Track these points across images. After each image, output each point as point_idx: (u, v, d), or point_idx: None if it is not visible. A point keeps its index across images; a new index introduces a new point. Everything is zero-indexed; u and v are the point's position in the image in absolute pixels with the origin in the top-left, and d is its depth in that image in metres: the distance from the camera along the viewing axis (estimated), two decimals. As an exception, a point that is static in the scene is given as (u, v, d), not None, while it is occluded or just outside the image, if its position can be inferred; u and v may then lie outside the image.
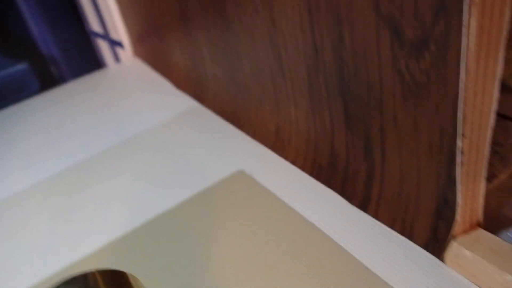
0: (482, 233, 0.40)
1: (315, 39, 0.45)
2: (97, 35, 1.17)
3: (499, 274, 0.36)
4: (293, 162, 0.57)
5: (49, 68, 1.07)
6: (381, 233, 0.45)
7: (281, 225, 0.49)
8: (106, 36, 1.14)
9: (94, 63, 1.13)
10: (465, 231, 0.40)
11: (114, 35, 1.12)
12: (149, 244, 0.50)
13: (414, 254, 0.42)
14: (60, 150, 0.74)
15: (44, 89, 1.07)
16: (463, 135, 0.34)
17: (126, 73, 0.99)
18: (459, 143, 0.35)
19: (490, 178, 0.46)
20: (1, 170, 0.73)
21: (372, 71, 0.40)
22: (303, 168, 0.56)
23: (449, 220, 0.40)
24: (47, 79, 1.08)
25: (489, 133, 0.36)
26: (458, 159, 0.36)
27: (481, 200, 0.40)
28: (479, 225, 0.41)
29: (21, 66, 1.05)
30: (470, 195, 0.39)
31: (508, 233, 0.43)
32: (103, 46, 1.19)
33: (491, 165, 0.47)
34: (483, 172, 0.38)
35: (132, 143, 0.71)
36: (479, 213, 0.41)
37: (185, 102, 0.79)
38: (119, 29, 1.04)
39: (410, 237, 0.44)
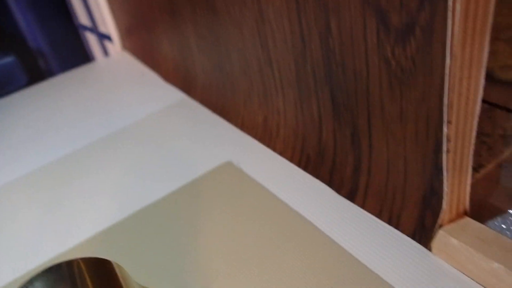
0: (469, 222, 0.40)
1: (302, 29, 0.44)
2: (85, 28, 1.16)
3: (485, 261, 0.36)
4: (281, 153, 0.57)
5: (37, 62, 1.06)
6: (369, 223, 0.45)
7: (269, 216, 0.48)
8: (94, 30, 1.13)
9: (82, 56, 1.12)
10: (452, 220, 0.40)
11: (102, 29, 1.11)
12: (136, 235, 0.50)
13: (401, 244, 0.42)
14: (48, 144, 0.73)
15: (32, 82, 1.06)
16: (449, 121, 0.34)
17: (114, 67, 0.98)
18: (445, 129, 0.35)
19: (477, 168, 0.46)
20: (-13, 164, 0.72)
21: (359, 60, 0.40)
22: (291, 159, 0.55)
23: (436, 209, 0.40)
24: (35, 73, 1.07)
25: (475, 121, 0.36)
26: (444, 146, 0.36)
27: (467, 189, 0.40)
28: (466, 214, 0.41)
29: (9, 59, 1.04)
30: (457, 184, 0.39)
31: (496, 222, 0.43)
32: (92, 40, 1.18)
33: (479, 155, 0.47)
34: (470, 161, 0.38)
35: (120, 136, 0.70)
36: (466, 202, 0.41)
37: (174, 94, 0.79)
38: (108, 23, 1.03)
39: (397, 226, 0.43)
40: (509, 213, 0.44)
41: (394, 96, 0.38)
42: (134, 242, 0.49)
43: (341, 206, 0.48)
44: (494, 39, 0.61)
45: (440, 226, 0.40)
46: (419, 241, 0.42)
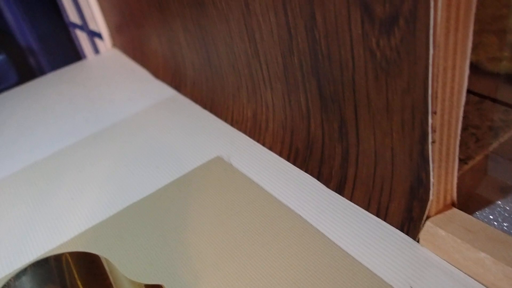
0: (456, 212, 0.40)
1: (289, 21, 0.44)
2: (75, 26, 1.16)
3: (472, 252, 0.37)
4: (271, 148, 0.57)
5: (27, 60, 1.06)
6: (357, 215, 0.45)
7: (258, 210, 0.48)
8: (84, 27, 1.13)
9: (73, 54, 1.11)
10: (440, 211, 0.41)
11: (92, 26, 1.11)
12: (126, 230, 0.50)
13: (389, 235, 0.42)
14: (38, 141, 0.73)
15: (23, 81, 1.05)
16: (434, 112, 0.34)
17: (105, 64, 0.98)
18: (430, 120, 0.35)
19: (466, 160, 0.46)
20: (-24, 162, 0.72)
21: (344, 51, 0.40)
22: (280, 153, 0.55)
23: (423, 200, 0.40)
24: (25, 71, 1.07)
25: (461, 111, 0.36)
26: (430, 137, 0.36)
27: (455, 180, 0.40)
28: (453, 205, 0.41)
29: (-1, 58, 1.04)
30: (444, 175, 0.39)
31: (483, 213, 0.43)
32: (82, 38, 1.18)
33: (467, 147, 0.47)
34: (456, 151, 0.38)
35: (110, 133, 0.70)
36: (453, 193, 0.41)
37: (164, 91, 0.79)
38: (98, 20, 1.02)
39: (385, 218, 0.44)
40: (497, 204, 0.44)
41: (379, 87, 0.38)
42: (123, 237, 0.49)
43: (330, 199, 0.48)
44: (483, 31, 0.61)
45: (428, 217, 0.40)
46: (407, 233, 0.42)
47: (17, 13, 1.04)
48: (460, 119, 0.36)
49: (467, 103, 0.53)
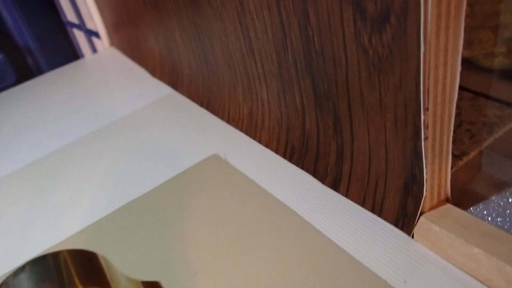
0: (450, 208, 0.41)
1: (282, 19, 0.45)
2: (73, 25, 1.16)
3: (465, 247, 0.37)
4: (267, 145, 0.57)
5: (25, 59, 1.06)
6: (353, 211, 0.46)
7: (255, 207, 0.49)
8: (82, 27, 1.13)
9: (71, 53, 1.11)
10: (434, 207, 0.41)
11: (90, 25, 1.11)
12: (124, 228, 0.50)
13: (384, 231, 0.43)
14: (36, 140, 0.73)
15: (21, 80, 1.05)
16: (426, 108, 0.34)
17: (102, 63, 0.98)
18: (422, 116, 0.35)
19: (460, 156, 0.46)
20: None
21: (337, 48, 0.40)
22: (276, 150, 0.56)
23: (417, 196, 0.40)
24: (23, 71, 1.07)
25: (453, 107, 0.36)
26: (423, 133, 0.36)
27: (448, 176, 0.40)
28: (447, 200, 0.42)
29: (-3, 58, 1.04)
30: (437, 171, 0.39)
31: (478, 209, 0.43)
32: (80, 37, 1.18)
33: (462, 143, 0.48)
34: (449, 147, 0.38)
35: (107, 131, 0.70)
36: (447, 189, 0.41)
37: (161, 89, 0.79)
38: (95, 19, 1.03)
39: (380, 214, 0.44)
40: (491, 199, 0.44)
41: (372, 84, 0.38)
42: (121, 235, 0.49)
43: (325, 196, 0.48)
44: (479, 28, 0.62)
45: (422, 213, 0.40)
46: (402, 228, 0.42)
47: (15, 13, 1.05)
48: (453, 115, 0.37)
49: (462, 99, 0.54)
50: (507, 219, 0.41)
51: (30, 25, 1.07)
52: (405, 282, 0.38)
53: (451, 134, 0.38)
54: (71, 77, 0.95)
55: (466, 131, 0.49)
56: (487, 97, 0.54)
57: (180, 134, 0.65)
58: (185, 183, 0.55)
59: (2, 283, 0.33)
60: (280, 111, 0.54)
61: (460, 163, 0.46)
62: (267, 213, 0.47)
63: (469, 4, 0.60)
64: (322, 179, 0.50)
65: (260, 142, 0.58)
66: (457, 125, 0.50)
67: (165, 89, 0.79)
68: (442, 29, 0.31)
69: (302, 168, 0.52)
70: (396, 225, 0.43)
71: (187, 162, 0.58)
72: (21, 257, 0.50)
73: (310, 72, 0.45)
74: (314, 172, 0.51)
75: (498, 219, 0.42)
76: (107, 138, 0.68)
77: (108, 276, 0.35)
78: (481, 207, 0.43)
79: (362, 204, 0.46)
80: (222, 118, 0.65)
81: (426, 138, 0.36)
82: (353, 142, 0.45)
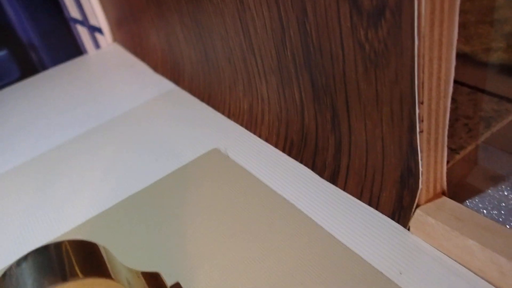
0: (446, 201, 0.41)
1: (281, 15, 0.45)
2: (76, 21, 1.17)
3: (460, 239, 0.37)
4: (267, 139, 0.58)
5: (29, 55, 1.07)
6: (350, 204, 0.46)
7: (254, 201, 0.49)
8: (85, 23, 1.13)
9: (74, 49, 1.12)
10: (429, 200, 0.41)
11: (93, 21, 1.12)
12: (125, 221, 0.51)
13: (381, 224, 0.43)
14: (39, 134, 0.74)
15: (25, 76, 1.06)
16: (421, 102, 0.35)
17: (105, 59, 0.99)
18: (417, 110, 0.35)
19: (457, 149, 0.47)
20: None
21: (334, 44, 0.40)
22: (276, 144, 0.56)
23: (413, 189, 0.40)
24: (27, 66, 1.08)
25: (448, 101, 0.37)
26: (418, 127, 0.36)
27: (444, 169, 0.41)
28: (443, 193, 0.42)
29: (1, 53, 1.05)
30: (433, 164, 0.39)
31: (473, 202, 0.44)
32: (83, 33, 1.19)
33: (459, 137, 0.48)
34: (445, 140, 0.39)
35: (110, 125, 0.71)
36: (443, 182, 0.42)
37: (163, 84, 0.80)
38: (98, 15, 1.03)
39: (377, 207, 0.44)
40: (487, 193, 0.44)
41: (369, 79, 0.39)
42: (123, 228, 0.50)
43: (324, 189, 0.49)
44: (478, 22, 0.62)
45: (418, 205, 0.41)
46: (398, 221, 0.43)
47: (18, 9, 1.05)
48: (448, 109, 0.37)
49: (460, 93, 0.54)
50: (502, 212, 0.42)
51: (34, 21, 1.07)
52: (401, 273, 0.39)
53: (447, 127, 0.38)
54: (74, 73, 0.95)
55: (464, 125, 0.50)
56: (485, 92, 0.54)
57: (182, 129, 0.65)
58: (186, 177, 0.55)
59: (5, 272, 0.33)
60: (279, 106, 0.54)
61: (457, 157, 0.46)
62: (267, 206, 0.48)
63: None
64: (321, 172, 0.50)
65: (260, 136, 0.59)
66: (455, 119, 0.50)
67: (167, 85, 0.79)
68: (436, 23, 0.32)
69: (301, 162, 0.53)
70: (393, 218, 0.43)
71: (188, 156, 0.59)
72: (25, 248, 0.51)
73: (308, 67, 0.46)
74: (313, 166, 0.51)
75: (494, 212, 0.42)
76: (109, 133, 0.69)
77: (109, 266, 0.36)
78: (476, 200, 0.44)
79: (360, 197, 0.46)
80: (223, 113, 0.66)
81: (421, 132, 0.37)
82: (350, 136, 0.45)
